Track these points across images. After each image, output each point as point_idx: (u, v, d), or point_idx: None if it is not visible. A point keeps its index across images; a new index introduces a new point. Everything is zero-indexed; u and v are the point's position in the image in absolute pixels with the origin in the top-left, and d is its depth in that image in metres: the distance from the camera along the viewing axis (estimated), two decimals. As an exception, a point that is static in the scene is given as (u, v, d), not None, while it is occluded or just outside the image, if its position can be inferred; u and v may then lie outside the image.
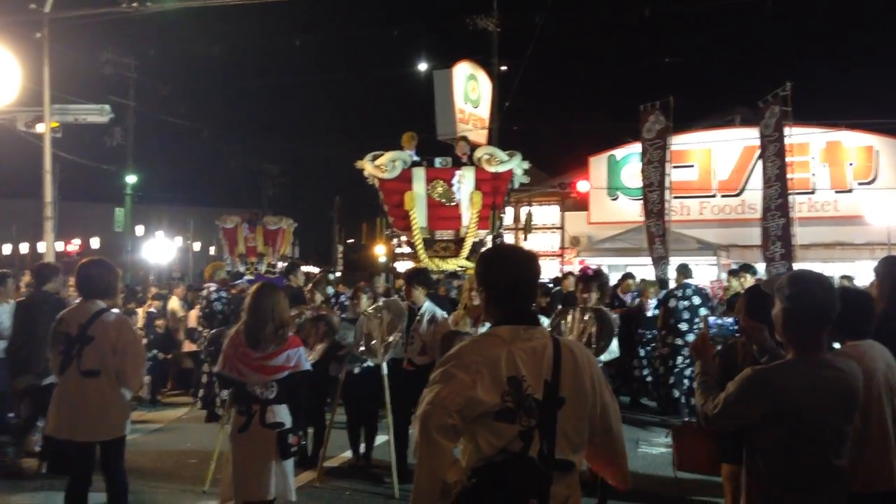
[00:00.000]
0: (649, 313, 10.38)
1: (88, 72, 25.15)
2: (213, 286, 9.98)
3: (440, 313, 6.94)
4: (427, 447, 2.43)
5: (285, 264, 13.32)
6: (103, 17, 14.88)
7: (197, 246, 35.48)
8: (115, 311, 5.03)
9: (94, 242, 32.17)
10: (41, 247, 28.68)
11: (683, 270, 10.26)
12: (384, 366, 6.63)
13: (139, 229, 31.96)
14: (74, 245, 30.82)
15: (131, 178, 27.74)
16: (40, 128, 15.33)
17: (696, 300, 9.71)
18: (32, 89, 15.60)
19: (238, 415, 4.65)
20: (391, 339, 6.46)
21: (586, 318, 5.53)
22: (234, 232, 18.70)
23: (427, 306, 6.93)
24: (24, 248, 33.08)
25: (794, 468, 2.81)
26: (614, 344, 5.64)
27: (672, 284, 10.22)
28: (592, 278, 6.33)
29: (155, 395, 11.08)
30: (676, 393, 9.63)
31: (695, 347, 3.35)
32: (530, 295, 2.68)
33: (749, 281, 9.09)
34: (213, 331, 8.07)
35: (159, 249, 30.74)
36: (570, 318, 5.63)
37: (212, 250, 34.43)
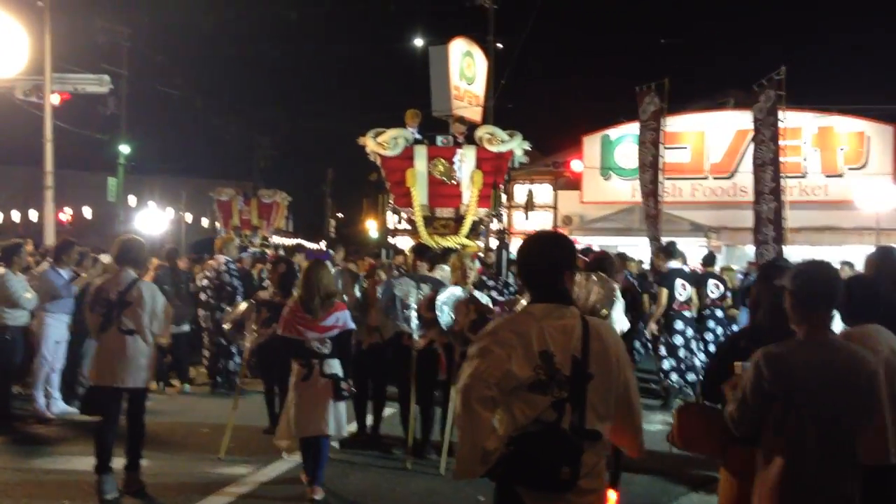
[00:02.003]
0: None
1: (82, 40, 24.96)
2: (222, 258, 10.11)
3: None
4: (468, 417, 2.64)
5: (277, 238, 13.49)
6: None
7: (189, 217, 35.44)
8: (146, 281, 5.81)
9: (87, 212, 32.07)
10: (32, 215, 28.68)
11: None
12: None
13: (132, 200, 31.87)
14: (66, 214, 30.74)
15: (125, 148, 27.58)
16: (54, 99, 15.36)
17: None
18: (30, 58, 15.56)
19: (301, 367, 5.68)
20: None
21: (590, 281, 5.55)
22: (228, 205, 18.77)
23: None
24: (15, 216, 32.93)
25: (807, 444, 3.01)
26: (623, 314, 5.71)
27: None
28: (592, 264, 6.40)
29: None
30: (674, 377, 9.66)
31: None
32: (558, 275, 2.84)
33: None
34: (228, 307, 8.23)
35: (152, 220, 30.72)
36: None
37: (204, 222, 34.42)
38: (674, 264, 10.00)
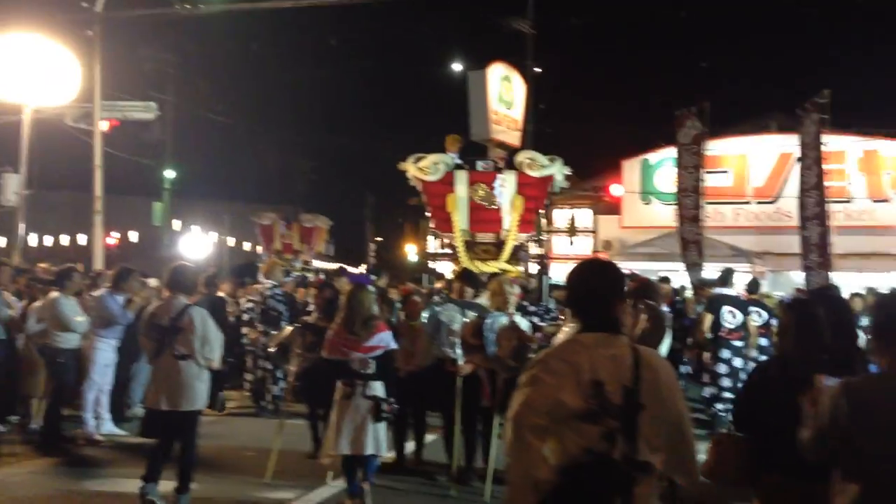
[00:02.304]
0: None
1: (130, 68, 25.60)
2: (268, 283, 10.26)
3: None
4: (519, 446, 2.65)
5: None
6: (152, 18, 15.25)
7: (232, 241, 35.92)
8: (197, 307, 5.99)
9: (133, 236, 32.66)
10: (81, 239, 29.25)
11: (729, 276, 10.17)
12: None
13: (176, 224, 32.41)
14: (113, 238, 31.35)
15: (170, 173, 28.17)
16: (103, 125, 15.78)
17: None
18: (80, 85, 15.99)
19: (344, 386, 5.84)
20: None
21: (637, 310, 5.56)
22: (270, 229, 19.01)
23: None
24: (64, 239, 33.64)
25: (884, 477, 2.89)
26: (665, 345, 5.71)
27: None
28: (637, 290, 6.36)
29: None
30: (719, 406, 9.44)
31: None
32: (608, 304, 2.85)
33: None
34: (273, 331, 8.35)
35: (195, 244, 31.19)
36: None
37: (246, 246, 34.84)
38: (722, 290, 9.80)
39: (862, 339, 7.17)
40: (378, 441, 5.88)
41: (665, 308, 10.16)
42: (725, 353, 9.44)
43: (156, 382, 5.93)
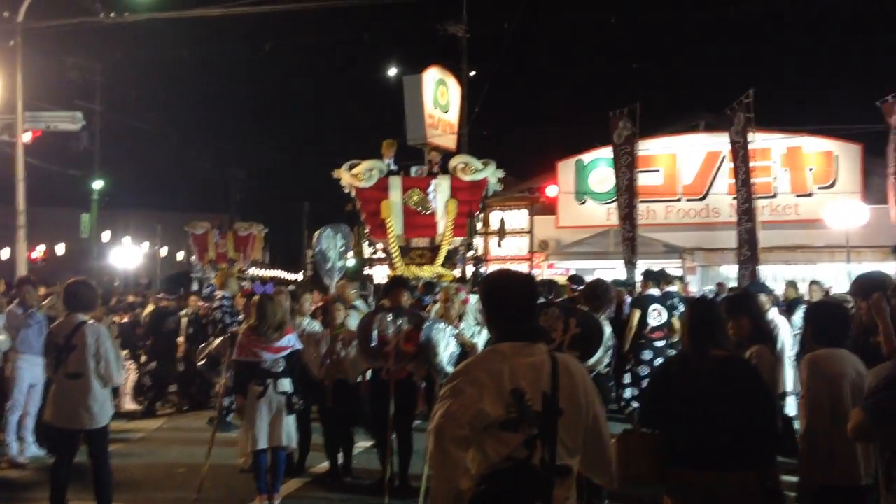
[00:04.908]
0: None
1: (55, 76, 24.90)
2: (218, 294, 10.10)
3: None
4: (442, 457, 2.66)
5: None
6: (76, 26, 14.84)
7: (164, 251, 35.21)
8: (93, 322, 5.90)
9: (60, 249, 31.79)
10: (3, 253, 28.30)
11: (664, 277, 10.14)
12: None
13: (105, 235, 31.63)
14: (39, 251, 30.45)
15: (98, 184, 27.44)
16: (26, 137, 15.29)
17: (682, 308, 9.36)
18: (2, 97, 15.50)
19: (255, 386, 6.22)
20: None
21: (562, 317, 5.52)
22: (204, 238, 18.67)
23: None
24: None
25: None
26: (601, 350, 5.67)
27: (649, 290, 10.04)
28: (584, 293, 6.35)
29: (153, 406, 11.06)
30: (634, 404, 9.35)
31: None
32: (528, 314, 2.92)
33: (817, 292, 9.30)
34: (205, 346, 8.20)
35: (126, 255, 30.49)
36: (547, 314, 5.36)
37: (179, 256, 34.20)
38: (652, 291, 9.82)
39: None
40: (290, 435, 6.33)
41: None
42: (647, 354, 9.39)
43: (54, 400, 5.86)
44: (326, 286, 7.60)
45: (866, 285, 4.12)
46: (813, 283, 11.12)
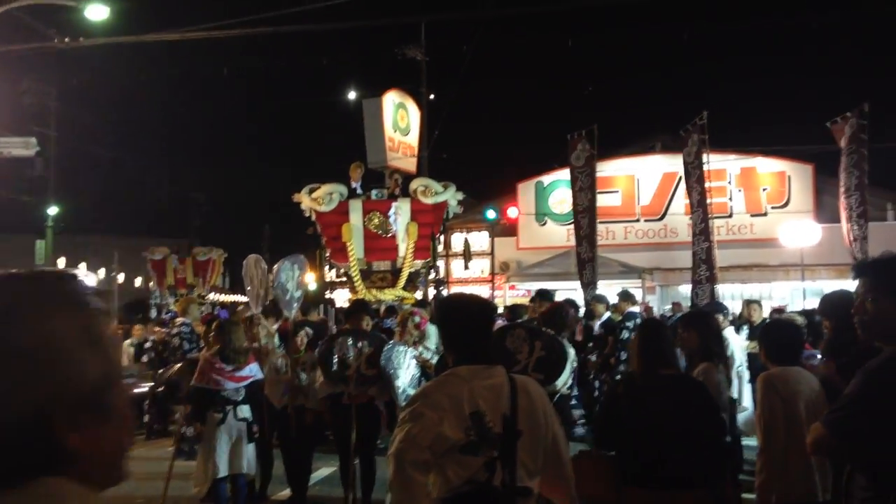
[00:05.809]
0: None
1: (8, 101, 24.53)
2: (178, 320, 9.96)
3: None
4: (402, 481, 2.66)
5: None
6: (31, 51, 14.67)
7: (121, 278, 34.67)
8: None
9: (14, 276, 31.06)
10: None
11: (627, 297, 10.26)
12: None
13: (61, 261, 31.07)
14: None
15: (53, 210, 27.00)
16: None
17: None
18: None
19: (215, 413, 6.25)
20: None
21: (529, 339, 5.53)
22: (162, 263, 18.49)
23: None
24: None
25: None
26: (566, 373, 5.70)
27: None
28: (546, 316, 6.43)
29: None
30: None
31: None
32: (484, 337, 2.95)
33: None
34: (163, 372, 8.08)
35: (83, 282, 29.89)
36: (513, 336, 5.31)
37: (138, 282, 33.70)
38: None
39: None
40: (250, 462, 6.45)
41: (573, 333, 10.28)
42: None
43: None
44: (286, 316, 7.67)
45: (835, 304, 4.21)
46: (751, 302, 10.96)
